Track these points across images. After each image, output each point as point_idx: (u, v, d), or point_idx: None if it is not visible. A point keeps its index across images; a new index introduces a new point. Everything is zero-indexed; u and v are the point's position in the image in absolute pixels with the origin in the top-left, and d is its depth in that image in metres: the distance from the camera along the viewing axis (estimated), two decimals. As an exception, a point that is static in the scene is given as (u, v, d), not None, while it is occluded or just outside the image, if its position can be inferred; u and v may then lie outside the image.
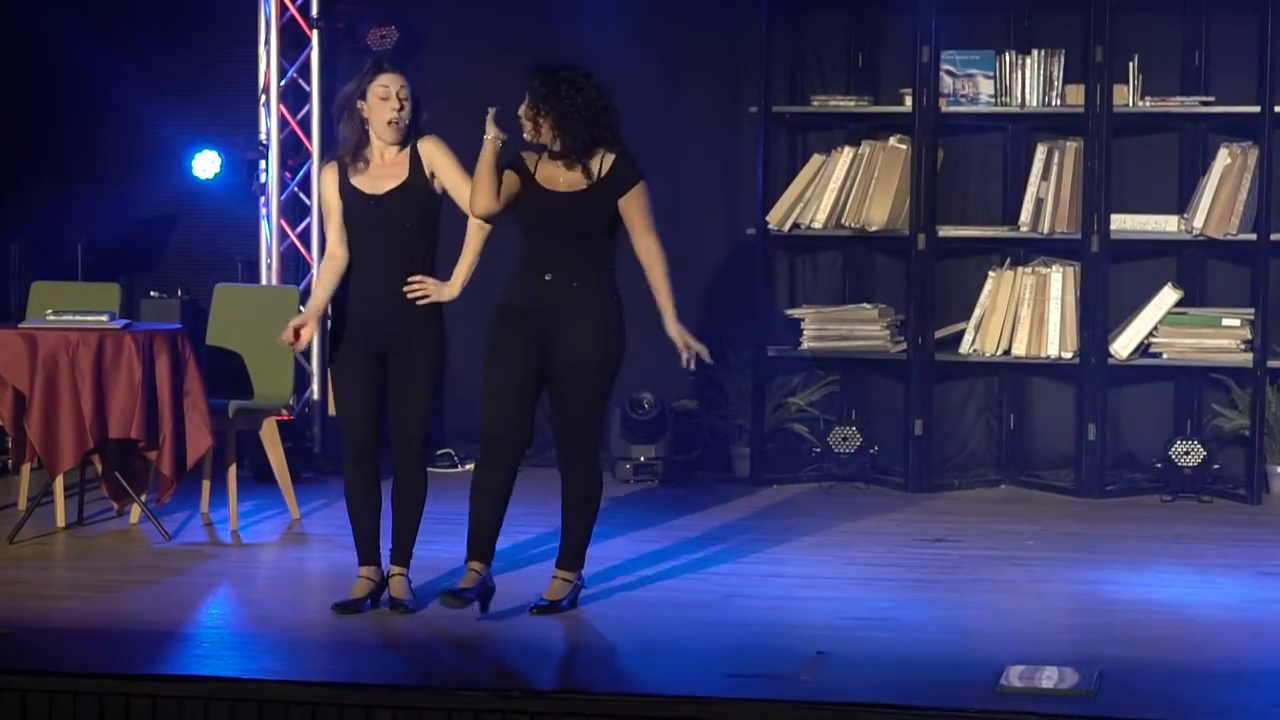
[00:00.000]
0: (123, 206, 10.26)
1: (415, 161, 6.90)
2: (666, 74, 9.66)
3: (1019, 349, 9.55)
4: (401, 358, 6.88)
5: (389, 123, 6.87)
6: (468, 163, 6.81)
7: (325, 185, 6.99)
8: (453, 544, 7.47)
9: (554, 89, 6.68)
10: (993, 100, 9.55)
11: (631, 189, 6.75)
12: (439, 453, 9.97)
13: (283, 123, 10.20)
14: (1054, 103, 9.50)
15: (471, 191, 6.77)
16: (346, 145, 6.94)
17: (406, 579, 6.96)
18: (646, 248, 6.79)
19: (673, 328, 6.83)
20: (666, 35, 9.64)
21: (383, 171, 6.91)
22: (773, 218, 9.71)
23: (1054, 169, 9.49)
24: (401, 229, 6.88)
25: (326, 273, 6.98)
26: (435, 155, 6.90)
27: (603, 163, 6.74)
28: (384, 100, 6.87)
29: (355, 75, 7.00)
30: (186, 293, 10.13)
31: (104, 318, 8.19)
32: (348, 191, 6.92)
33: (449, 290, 6.91)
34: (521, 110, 6.73)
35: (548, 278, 6.75)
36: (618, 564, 7.63)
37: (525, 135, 6.75)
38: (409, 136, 6.91)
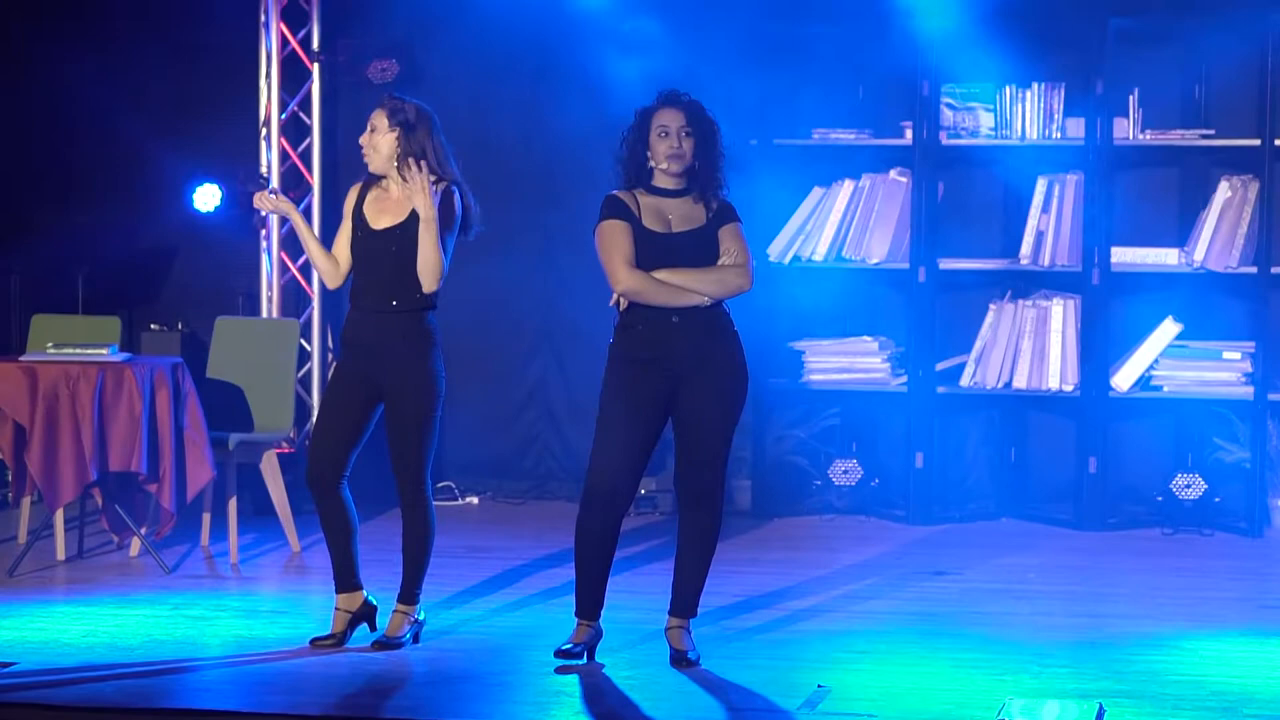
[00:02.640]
0: (123, 239, 10.27)
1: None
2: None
3: (1020, 381, 9.56)
4: (394, 393, 6.83)
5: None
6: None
7: (347, 200, 6.98)
8: (446, 577, 7.47)
9: (707, 120, 6.65)
10: (993, 133, 9.57)
11: (731, 222, 6.71)
12: (439, 485, 9.97)
13: (284, 155, 10.21)
14: (1054, 135, 9.51)
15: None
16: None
17: (407, 616, 6.91)
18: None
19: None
20: (664, 68, 9.64)
21: (387, 206, 6.89)
22: (773, 250, 9.72)
23: (1054, 202, 9.50)
24: (389, 266, 6.82)
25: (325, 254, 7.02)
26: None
27: (713, 201, 6.70)
28: None
29: (355, 108, 7.01)
30: (187, 326, 10.14)
31: (104, 351, 8.19)
32: (358, 216, 6.92)
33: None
34: (670, 142, 6.58)
35: (675, 320, 6.61)
36: (617, 596, 7.61)
37: (663, 163, 6.58)
38: (404, 168, 6.83)
